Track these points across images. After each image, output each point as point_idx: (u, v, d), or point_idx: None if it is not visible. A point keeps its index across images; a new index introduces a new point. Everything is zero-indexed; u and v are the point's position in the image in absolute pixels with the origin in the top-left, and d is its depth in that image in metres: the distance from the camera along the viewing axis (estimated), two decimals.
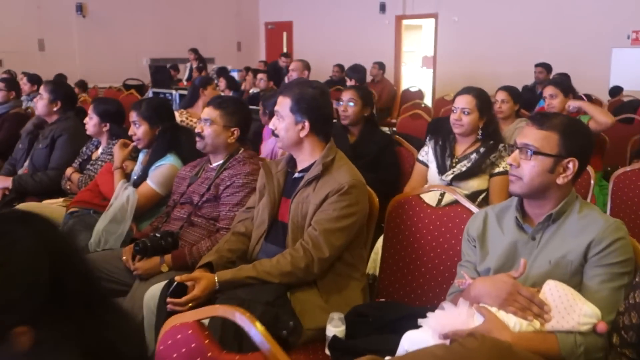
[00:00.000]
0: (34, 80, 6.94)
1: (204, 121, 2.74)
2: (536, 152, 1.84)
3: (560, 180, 1.85)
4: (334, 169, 2.34)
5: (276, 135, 2.41)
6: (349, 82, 6.37)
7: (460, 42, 10.98)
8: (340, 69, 9.63)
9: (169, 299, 2.16)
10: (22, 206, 3.27)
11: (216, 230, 2.68)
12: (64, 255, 0.97)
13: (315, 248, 2.22)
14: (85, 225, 2.89)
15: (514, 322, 1.66)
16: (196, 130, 2.75)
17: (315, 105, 2.38)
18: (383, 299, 2.47)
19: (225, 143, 2.76)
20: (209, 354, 1.23)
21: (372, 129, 3.76)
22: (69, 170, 3.52)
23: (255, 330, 1.21)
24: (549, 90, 4.30)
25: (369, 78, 9.10)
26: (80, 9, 12.01)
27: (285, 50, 14.01)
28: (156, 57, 12.55)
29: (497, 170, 3.07)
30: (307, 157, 2.40)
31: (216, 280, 2.19)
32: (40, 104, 3.81)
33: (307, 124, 2.35)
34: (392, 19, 12.14)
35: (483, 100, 3.17)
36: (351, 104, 3.71)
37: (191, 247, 2.62)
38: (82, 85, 8.78)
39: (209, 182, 2.74)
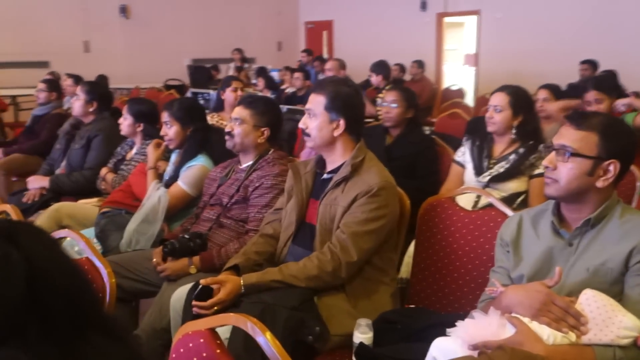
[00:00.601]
0: (78, 81, 7.07)
1: (234, 120, 2.71)
2: (574, 154, 1.74)
3: (600, 184, 1.74)
4: (363, 170, 2.28)
5: (307, 135, 2.34)
6: (375, 79, 6.24)
7: (504, 40, 10.72)
8: (400, 68, 9.42)
9: (194, 302, 2.13)
10: (57, 206, 3.30)
11: (245, 232, 2.65)
12: (47, 273, 0.90)
13: (343, 251, 2.16)
14: (117, 226, 2.90)
15: (548, 334, 1.56)
16: (226, 129, 2.72)
17: (350, 103, 2.33)
18: (413, 305, 2.39)
19: (255, 143, 2.73)
20: None
21: (412, 130, 3.65)
22: (103, 170, 3.55)
23: (266, 340, 1.16)
24: (592, 96, 3.84)
25: (407, 77, 9.00)
26: (124, 10, 12.21)
27: (325, 49, 13.99)
28: (198, 57, 12.65)
29: (537, 171, 2.95)
30: (338, 157, 2.35)
31: (242, 283, 2.15)
32: (76, 105, 3.85)
33: (342, 122, 2.29)
34: (433, 16, 11.95)
35: (518, 98, 3.06)
36: (394, 105, 3.61)
37: (219, 249, 2.59)
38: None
39: (238, 183, 2.71)
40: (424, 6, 12.00)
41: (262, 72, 9.01)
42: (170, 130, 3.08)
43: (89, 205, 3.35)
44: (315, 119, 2.30)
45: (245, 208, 2.67)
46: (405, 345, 1.96)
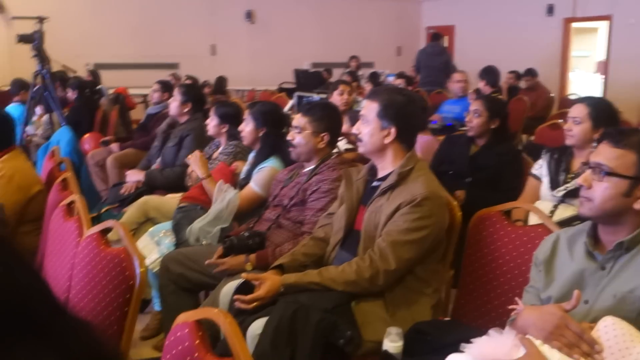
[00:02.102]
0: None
1: (294, 129, 2.79)
2: (609, 173, 1.64)
3: (638, 206, 1.63)
4: (410, 179, 2.27)
5: (359, 140, 2.38)
6: (480, 84, 6.06)
7: (637, 46, 10.03)
8: (515, 76, 9.08)
9: (235, 296, 2.23)
10: (146, 199, 3.55)
11: (301, 233, 2.72)
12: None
13: (381, 259, 2.17)
14: (190, 220, 3.07)
15: (557, 359, 1.49)
16: (288, 139, 2.81)
17: (403, 112, 2.34)
18: (456, 318, 2.34)
19: (316, 149, 2.79)
20: (195, 354, 1.26)
21: (499, 141, 3.53)
22: (190, 168, 3.76)
23: (225, 337, 1.22)
24: None
25: (523, 84, 8.66)
26: (249, 15, 12.75)
27: None
28: (317, 61, 12.92)
29: None
30: (388, 165, 2.36)
31: (281, 282, 2.22)
32: (172, 105, 4.12)
33: (393, 130, 2.30)
34: (559, 21, 11.41)
35: (599, 110, 2.90)
36: (476, 115, 3.53)
37: (275, 248, 2.68)
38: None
39: (298, 186, 2.79)
40: (550, 11, 11.49)
41: (373, 77, 9.06)
42: (246, 127, 3.26)
43: (174, 200, 3.56)
44: (368, 125, 2.32)
45: (303, 210, 2.74)
46: (433, 358, 1.94)
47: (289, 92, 7.85)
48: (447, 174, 3.50)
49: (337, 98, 4.61)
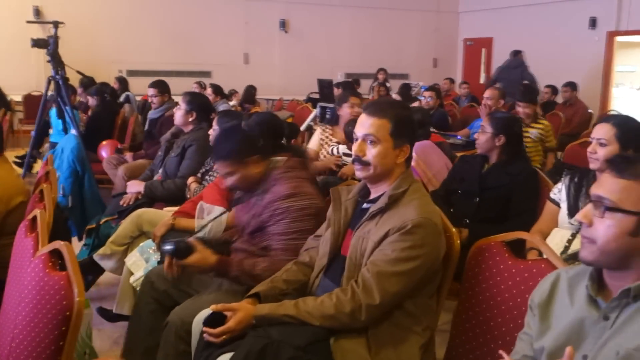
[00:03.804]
0: (218, 91, 7.41)
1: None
2: (612, 208, 1.39)
3: None
4: (402, 202, 2.05)
5: (364, 163, 2.09)
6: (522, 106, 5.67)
7: None
8: (552, 91, 8.75)
9: (204, 328, 2.03)
10: (140, 212, 3.38)
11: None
12: None
13: (364, 292, 1.95)
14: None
15: None
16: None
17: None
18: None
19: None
20: None
21: (511, 159, 3.26)
22: (190, 180, 3.61)
23: None
24: None
25: (560, 98, 8.31)
26: (283, 24, 12.66)
27: (483, 67, 13.44)
28: (350, 71, 12.75)
29: None
30: (384, 186, 2.13)
31: (253, 314, 2.01)
32: (177, 114, 3.97)
33: (405, 149, 2.11)
34: (603, 35, 10.97)
35: (626, 130, 2.62)
36: (482, 131, 3.28)
37: (243, 258, 2.43)
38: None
39: (253, 209, 2.55)
40: (593, 24, 11.07)
41: (404, 88, 8.82)
42: None
43: (170, 213, 3.41)
44: (378, 146, 2.07)
45: (264, 235, 2.50)
46: None
47: (315, 103, 7.67)
48: (457, 193, 3.27)
49: (346, 111, 4.41)
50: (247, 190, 2.63)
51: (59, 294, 1.60)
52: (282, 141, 3.07)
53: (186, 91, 4.08)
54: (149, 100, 5.28)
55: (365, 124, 2.10)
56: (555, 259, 1.86)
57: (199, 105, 3.99)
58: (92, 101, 6.31)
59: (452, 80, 11.56)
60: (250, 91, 9.16)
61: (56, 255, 1.78)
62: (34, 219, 2.13)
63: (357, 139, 2.13)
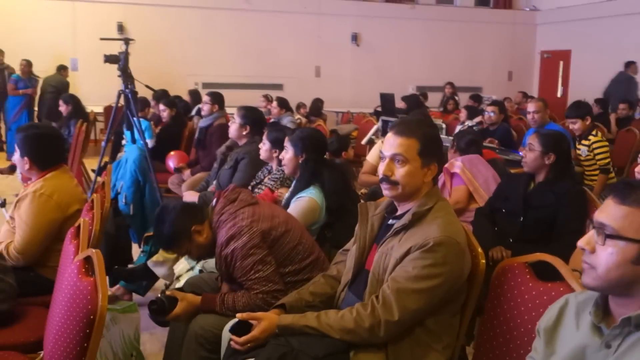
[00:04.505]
0: (283, 104, 7.56)
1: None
2: (613, 236, 1.37)
3: None
4: (426, 220, 2.06)
5: (393, 183, 2.09)
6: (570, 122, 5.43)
7: None
8: (630, 106, 8.38)
9: (231, 336, 2.12)
10: None
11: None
12: None
13: (384, 308, 1.97)
14: None
15: None
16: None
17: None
18: None
19: None
20: None
21: (558, 178, 3.19)
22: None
23: None
24: None
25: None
26: (355, 38, 12.76)
27: (560, 80, 13.05)
28: (422, 84, 12.68)
29: None
30: (413, 204, 2.15)
31: (277, 323, 2.08)
32: (232, 128, 4.11)
33: (433, 167, 2.12)
34: None
35: None
36: (530, 149, 3.22)
37: (226, 294, 2.46)
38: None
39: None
40: None
41: (475, 99, 8.69)
42: (286, 155, 3.16)
43: None
44: (406, 165, 2.08)
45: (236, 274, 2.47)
46: None
47: (377, 115, 7.71)
48: (501, 212, 3.22)
49: None
50: (209, 254, 2.62)
51: (86, 298, 1.72)
52: (325, 155, 3.14)
53: (241, 105, 4.19)
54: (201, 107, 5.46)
55: (393, 144, 2.11)
56: (574, 283, 1.82)
57: (253, 119, 4.12)
58: (164, 113, 6.59)
59: (525, 94, 11.27)
60: (317, 104, 9.27)
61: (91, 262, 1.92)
62: (79, 226, 2.29)
63: (384, 159, 2.14)
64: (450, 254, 1.99)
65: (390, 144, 2.12)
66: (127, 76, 5.07)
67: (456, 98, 10.18)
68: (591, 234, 1.43)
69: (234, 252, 2.40)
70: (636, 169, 2.64)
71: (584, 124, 4.93)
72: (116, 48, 5.09)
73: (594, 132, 4.90)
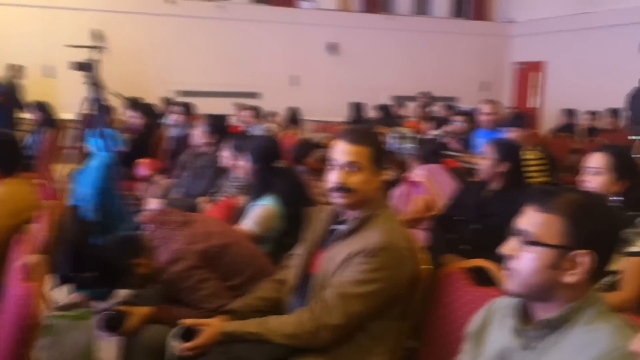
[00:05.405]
0: (256, 113, 7.59)
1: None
2: (533, 242, 1.41)
3: (569, 279, 1.39)
4: (370, 226, 2.09)
5: (346, 190, 2.09)
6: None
7: None
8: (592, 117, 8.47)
9: (173, 343, 2.12)
10: None
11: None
12: None
13: (325, 312, 2.00)
14: None
15: None
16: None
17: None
18: None
19: None
20: None
21: (513, 186, 3.25)
22: (202, 199, 3.73)
23: None
24: None
25: (603, 124, 8.11)
26: (332, 47, 12.82)
27: (537, 90, 13.22)
28: (400, 94, 12.75)
29: (633, 249, 2.47)
30: (360, 210, 2.18)
31: (220, 330, 2.09)
32: (197, 135, 4.12)
33: (382, 174, 2.17)
34: None
35: (622, 160, 2.61)
36: (486, 157, 3.28)
37: (170, 308, 2.45)
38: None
39: None
40: None
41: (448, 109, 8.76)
42: (242, 163, 3.19)
43: None
44: (361, 173, 2.10)
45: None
46: None
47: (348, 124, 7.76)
48: (458, 220, 3.27)
49: None
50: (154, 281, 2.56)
51: (23, 303, 1.72)
52: (278, 164, 3.16)
53: (208, 113, 4.21)
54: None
55: (346, 152, 2.11)
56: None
57: (218, 127, 4.14)
58: (134, 121, 6.58)
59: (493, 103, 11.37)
60: (294, 113, 9.28)
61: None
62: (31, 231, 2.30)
63: (334, 167, 2.13)
64: (390, 259, 2.02)
65: (343, 152, 2.12)
66: (96, 83, 5.05)
67: (427, 109, 10.23)
68: (513, 241, 1.48)
69: (174, 276, 2.38)
70: (582, 179, 2.70)
71: (523, 133, 4.92)
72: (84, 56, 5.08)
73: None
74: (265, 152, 3.16)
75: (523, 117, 5.23)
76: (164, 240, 2.44)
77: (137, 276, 2.46)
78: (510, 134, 4.85)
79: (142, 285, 2.60)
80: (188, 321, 2.13)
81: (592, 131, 7.86)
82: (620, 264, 2.47)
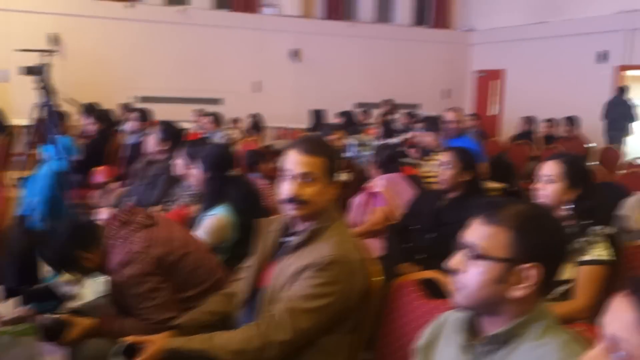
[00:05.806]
0: (216, 120, 7.49)
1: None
2: (480, 255, 1.38)
3: (516, 293, 1.36)
4: (323, 238, 2.03)
5: (301, 202, 2.02)
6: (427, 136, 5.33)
7: None
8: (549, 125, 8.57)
9: None
10: None
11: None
12: None
13: (274, 327, 1.93)
14: None
15: None
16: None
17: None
18: None
19: None
20: None
21: (470, 194, 3.23)
22: (154, 209, 3.63)
23: None
24: None
25: (561, 132, 8.24)
26: (295, 54, 12.79)
27: (496, 98, 13.41)
28: (362, 101, 12.77)
29: (585, 257, 2.47)
30: (311, 223, 2.12)
31: (165, 347, 2.01)
32: (151, 142, 4.02)
33: (336, 186, 2.10)
34: (612, 69, 10.87)
35: (575, 169, 2.61)
36: (448, 166, 3.25)
37: (115, 319, 2.35)
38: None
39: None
40: (604, 57, 10.97)
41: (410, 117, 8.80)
42: (194, 171, 3.10)
43: None
44: (316, 184, 2.04)
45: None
46: None
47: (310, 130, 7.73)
48: (414, 229, 3.24)
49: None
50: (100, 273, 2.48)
51: None
52: (230, 172, 3.09)
53: (162, 120, 4.11)
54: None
55: (300, 162, 2.04)
56: None
57: (174, 135, 4.04)
58: (89, 127, 6.43)
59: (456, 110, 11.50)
60: (255, 119, 9.20)
61: None
62: None
63: (287, 177, 2.06)
64: (342, 273, 1.97)
65: (297, 162, 2.05)
66: (47, 89, 4.90)
67: (389, 117, 10.25)
68: (460, 255, 1.44)
69: (126, 279, 2.28)
70: (536, 186, 2.69)
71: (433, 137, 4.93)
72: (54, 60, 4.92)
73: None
74: (218, 160, 3.08)
75: (437, 121, 5.20)
76: (122, 239, 2.33)
77: (80, 268, 2.38)
78: (426, 137, 4.82)
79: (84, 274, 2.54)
80: (130, 338, 2.04)
81: (550, 139, 7.96)
82: (572, 272, 2.47)
